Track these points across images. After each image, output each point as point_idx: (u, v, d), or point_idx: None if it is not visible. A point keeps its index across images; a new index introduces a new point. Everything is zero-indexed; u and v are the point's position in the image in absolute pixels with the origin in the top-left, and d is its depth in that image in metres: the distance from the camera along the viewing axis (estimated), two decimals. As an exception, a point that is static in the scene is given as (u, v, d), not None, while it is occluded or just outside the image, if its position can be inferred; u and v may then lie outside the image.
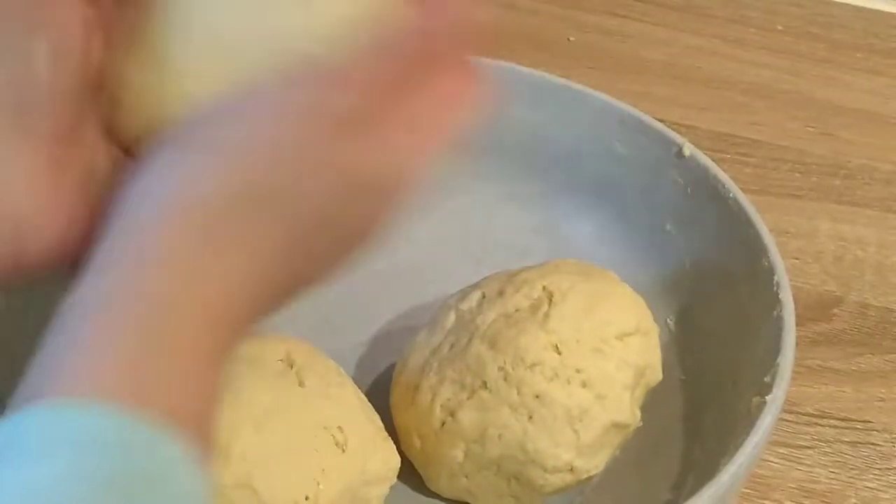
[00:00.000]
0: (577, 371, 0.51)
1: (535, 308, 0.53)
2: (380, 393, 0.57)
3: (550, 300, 0.53)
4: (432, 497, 0.55)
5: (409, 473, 0.55)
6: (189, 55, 0.38)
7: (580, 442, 0.51)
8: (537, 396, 0.51)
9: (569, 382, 0.51)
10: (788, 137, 0.76)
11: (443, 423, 0.52)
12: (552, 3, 0.85)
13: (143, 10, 0.39)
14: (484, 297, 0.55)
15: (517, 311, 0.53)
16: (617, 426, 0.51)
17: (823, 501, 0.58)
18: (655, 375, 0.53)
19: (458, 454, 0.52)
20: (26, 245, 0.37)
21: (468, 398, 0.52)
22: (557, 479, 0.51)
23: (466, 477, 0.53)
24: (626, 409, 0.51)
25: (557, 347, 0.52)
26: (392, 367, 0.57)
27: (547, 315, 0.52)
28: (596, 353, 0.52)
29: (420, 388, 0.53)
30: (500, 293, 0.54)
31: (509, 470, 0.52)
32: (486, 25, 0.38)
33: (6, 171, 0.37)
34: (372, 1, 0.38)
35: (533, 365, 0.51)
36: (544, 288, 0.54)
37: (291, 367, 0.51)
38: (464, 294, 0.56)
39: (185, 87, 0.38)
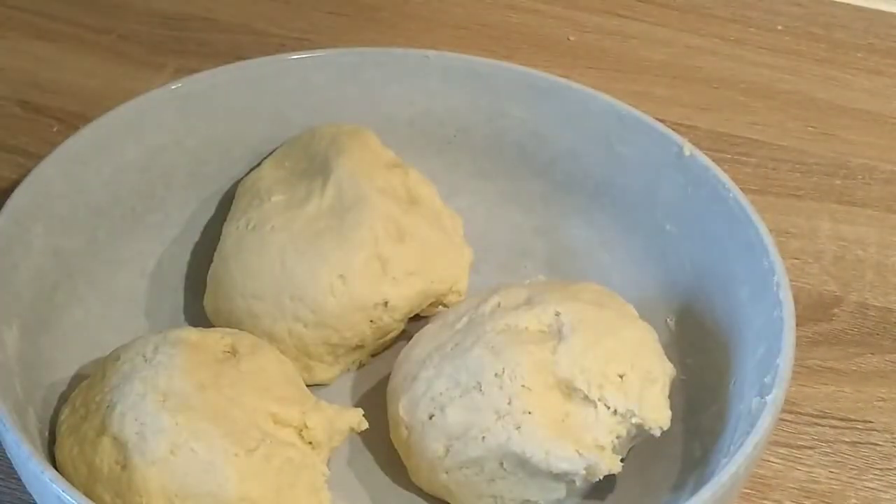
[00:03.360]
0: (566, 414, 0.52)
1: (544, 335, 0.53)
2: (380, 384, 0.58)
3: (560, 332, 0.53)
4: (414, 493, 0.55)
5: (394, 465, 0.56)
6: None
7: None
8: (528, 412, 0.51)
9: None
10: (789, 137, 0.76)
11: (431, 416, 0.53)
12: (552, 3, 0.85)
13: None
14: (499, 305, 0.55)
15: (527, 328, 0.54)
16: (590, 469, 0.51)
17: (824, 501, 0.58)
18: (654, 419, 0.52)
19: (440, 448, 0.53)
20: None
21: (460, 396, 0.53)
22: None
23: (446, 473, 0.53)
24: (605, 458, 0.51)
25: (557, 379, 0.52)
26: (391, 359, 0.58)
27: (554, 349, 0.53)
28: (590, 393, 0.52)
29: (417, 379, 0.54)
30: (516, 306, 0.55)
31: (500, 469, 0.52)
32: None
33: None
34: None
35: (529, 387, 0.52)
36: (557, 314, 0.54)
37: (234, 355, 0.54)
38: (482, 299, 0.57)
39: None
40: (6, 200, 0.56)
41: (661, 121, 0.62)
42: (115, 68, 0.78)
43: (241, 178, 0.63)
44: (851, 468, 0.59)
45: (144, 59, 0.79)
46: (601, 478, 0.51)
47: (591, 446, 0.51)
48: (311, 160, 0.62)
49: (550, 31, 0.83)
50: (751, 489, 0.58)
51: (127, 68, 0.78)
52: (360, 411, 0.55)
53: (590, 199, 0.64)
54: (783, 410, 0.50)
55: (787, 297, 0.53)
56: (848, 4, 0.87)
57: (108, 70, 0.78)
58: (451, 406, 0.53)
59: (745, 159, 0.74)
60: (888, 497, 0.58)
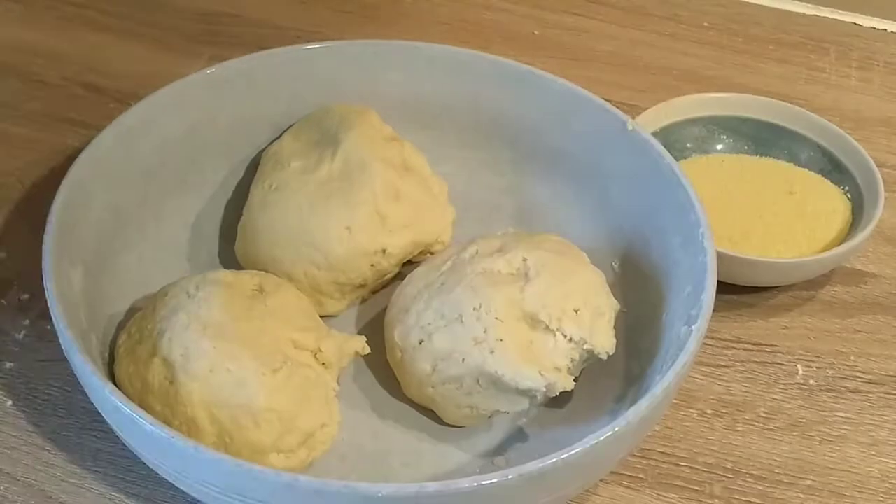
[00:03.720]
0: (531, 342, 0.52)
1: (514, 277, 0.53)
2: (378, 315, 0.58)
3: (527, 274, 0.53)
4: (406, 404, 0.56)
5: (390, 382, 0.56)
6: None
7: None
8: (500, 340, 0.51)
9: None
10: (712, 115, 0.76)
11: (420, 341, 0.53)
12: (520, 3, 0.84)
13: None
14: (477, 252, 0.55)
15: (500, 271, 0.54)
16: (550, 387, 0.51)
17: (738, 410, 0.58)
18: (602, 345, 0.52)
19: (428, 367, 0.53)
20: None
21: (445, 326, 0.53)
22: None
23: (433, 387, 0.53)
24: (561, 378, 0.51)
25: (524, 313, 0.52)
26: (388, 295, 0.58)
27: (522, 289, 0.53)
28: (550, 324, 0.52)
29: (409, 311, 0.54)
30: (491, 253, 0.55)
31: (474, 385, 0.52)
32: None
33: None
34: None
35: (501, 319, 0.52)
36: (525, 259, 0.54)
37: (261, 292, 0.54)
38: (463, 247, 0.56)
39: None
40: (72, 165, 0.55)
41: (609, 101, 0.61)
42: (160, 56, 0.77)
43: (265, 148, 0.63)
44: (761, 383, 0.59)
45: (184, 48, 0.78)
46: (558, 393, 0.52)
47: (551, 368, 0.52)
48: (323, 133, 0.61)
49: (519, 27, 0.82)
50: (679, 400, 0.58)
51: (170, 56, 0.77)
52: (364, 338, 0.55)
53: (550, 165, 0.64)
54: (706, 337, 0.50)
55: (710, 245, 0.53)
56: (762, 5, 0.86)
57: (155, 57, 0.77)
58: (437, 334, 0.53)
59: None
60: (790, 406, 0.58)
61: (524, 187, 0.65)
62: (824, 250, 0.62)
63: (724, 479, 0.55)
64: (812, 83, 0.79)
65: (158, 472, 0.49)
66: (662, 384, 0.47)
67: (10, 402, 0.55)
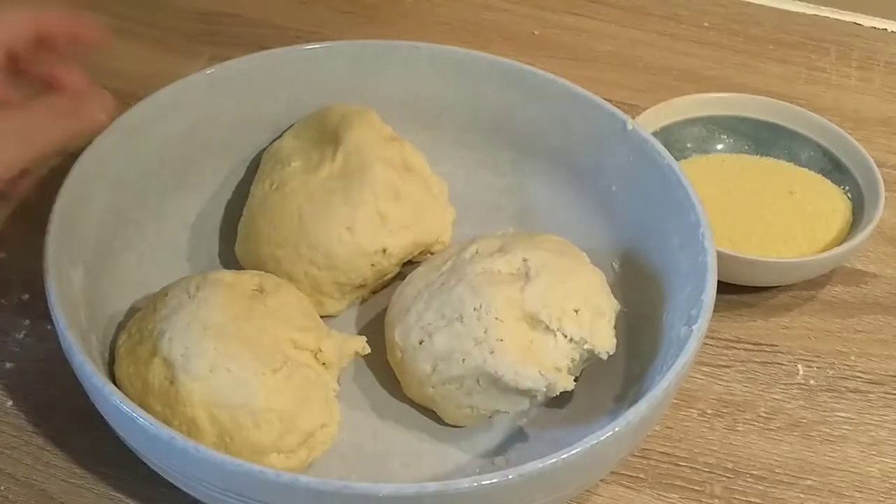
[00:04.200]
0: (531, 342, 0.52)
1: (514, 277, 0.53)
2: (379, 316, 0.58)
3: (527, 274, 0.53)
4: (406, 404, 0.56)
5: (391, 382, 0.56)
6: None
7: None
8: (500, 340, 0.51)
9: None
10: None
11: (421, 342, 0.53)
12: (520, 3, 0.85)
13: None
14: (477, 252, 0.55)
15: (500, 271, 0.54)
16: (550, 387, 0.51)
17: (738, 410, 0.58)
18: (602, 345, 0.52)
19: (428, 367, 0.53)
20: None
21: (445, 326, 0.53)
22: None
23: (433, 387, 0.53)
24: (561, 378, 0.51)
25: (524, 313, 0.52)
26: (389, 295, 0.58)
27: (522, 289, 0.53)
28: (550, 324, 0.52)
29: (410, 311, 0.54)
30: (491, 253, 0.55)
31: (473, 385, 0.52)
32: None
33: None
34: None
35: (501, 319, 0.52)
36: (525, 260, 0.54)
37: (261, 292, 0.54)
38: (463, 247, 0.57)
39: None
40: (73, 165, 0.55)
41: (609, 101, 0.61)
42: (161, 56, 0.77)
43: (266, 148, 0.63)
44: (761, 383, 0.59)
45: (184, 48, 0.78)
46: (558, 393, 0.52)
47: (551, 368, 0.52)
48: (323, 133, 0.61)
49: (518, 27, 0.83)
50: (679, 400, 0.58)
51: (170, 56, 0.77)
52: (364, 338, 0.55)
53: (550, 165, 0.64)
54: (706, 336, 0.51)
55: (710, 245, 0.53)
56: (762, 5, 0.86)
57: (155, 57, 0.77)
58: (437, 334, 0.53)
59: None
60: (790, 406, 0.58)
61: (524, 187, 0.65)
62: (824, 250, 0.62)
63: (724, 479, 0.55)
64: (812, 83, 0.79)
65: (158, 473, 0.49)
66: (662, 384, 0.47)
67: (10, 402, 0.56)
